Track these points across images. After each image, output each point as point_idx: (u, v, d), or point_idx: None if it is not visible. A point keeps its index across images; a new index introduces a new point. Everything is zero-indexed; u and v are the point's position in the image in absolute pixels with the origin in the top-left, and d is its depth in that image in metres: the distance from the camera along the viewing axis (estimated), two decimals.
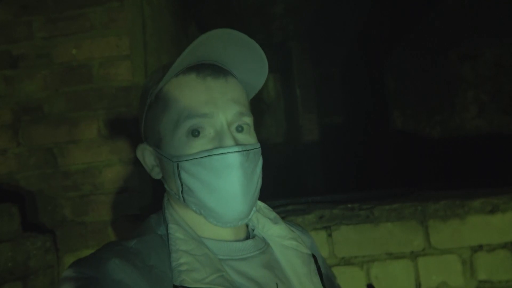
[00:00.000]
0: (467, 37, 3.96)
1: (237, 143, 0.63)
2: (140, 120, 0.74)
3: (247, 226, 0.78)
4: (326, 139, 5.04)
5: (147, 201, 1.45)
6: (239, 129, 0.66)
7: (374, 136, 4.75)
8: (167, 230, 0.67)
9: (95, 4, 1.47)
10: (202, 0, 3.53)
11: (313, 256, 0.77)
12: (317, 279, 0.73)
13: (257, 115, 5.31)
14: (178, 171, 0.64)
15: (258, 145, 0.69)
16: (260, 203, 0.80)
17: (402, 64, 4.46)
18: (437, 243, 1.38)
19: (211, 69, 0.67)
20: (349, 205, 1.42)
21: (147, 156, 0.72)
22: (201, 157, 0.62)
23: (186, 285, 0.58)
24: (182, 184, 0.65)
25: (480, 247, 1.38)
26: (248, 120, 0.68)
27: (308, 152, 4.89)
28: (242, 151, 0.63)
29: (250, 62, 0.69)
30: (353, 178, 4.83)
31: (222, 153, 0.62)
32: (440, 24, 3.84)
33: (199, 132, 0.63)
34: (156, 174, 0.72)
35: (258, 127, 5.25)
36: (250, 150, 0.65)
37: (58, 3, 1.49)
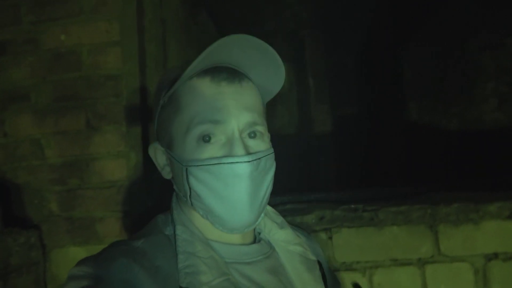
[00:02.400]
0: (488, 25, 3.77)
1: (248, 152, 0.63)
2: (153, 119, 0.74)
3: (254, 229, 0.77)
4: (338, 131, 4.92)
5: (137, 197, 1.37)
6: (252, 135, 0.66)
7: (389, 127, 4.62)
8: (174, 231, 0.67)
9: None
10: None
11: (318, 262, 0.77)
12: (321, 286, 0.73)
13: (270, 105, 5.20)
14: (187, 175, 0.64)
15: (271, 150, 0.68)
16: (268, 207, 0.79)
17: (418, 54, 4.31)
18: (448, 250, 1.27)
19: (226, 72, 0.65)
20: (352, 206, 1.32)
21: (159, 155, 0.73)
22: (209, 164, 0.62)
23: (192, 287, 0.58)
24: (190, 189, 0.65)
25: (495, 255, 1.26)
26: (261, 128, 0.67)
27: (320, 143, 4.80)
28: (252, 160, 0.62)
29: (267, 67, 0.68)
30: (365, 171, 4.71)
31: (231, 162, 0.61)
32: (460, 12, 3.66)
33: (210, 138, 0.63)
34: (167, 174, 0.72)
35: (271, 117, 5.16)
36: (262, 157, 0.65)
37: None
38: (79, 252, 1.36)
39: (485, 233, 1.27)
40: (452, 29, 3.91)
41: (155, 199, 1.42)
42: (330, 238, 1.30)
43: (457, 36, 3.99)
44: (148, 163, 1.47)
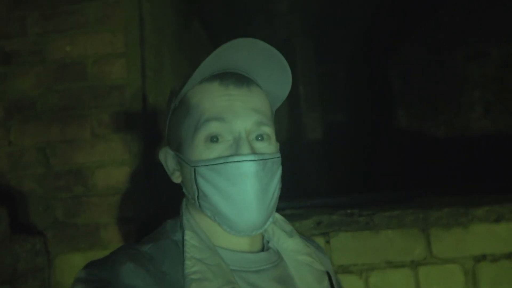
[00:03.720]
0: (474, 35, 3.88)
1: (254, 152, 0.63)
2: (165, 124, 0.75)
3: (262, 237, 0.77)
4: (329, 138, 4.98)
5: (140, 204, 1.41)
6: (259, 138, 0.66)
7: (378, 135, 4.70)
8: (183, 236, 0.67)
9: None
10: None
11: (327, 273, 0.76)
12: None
13: None
14: (195, 176, 0.65)
15: (278, 154, 0.69)
16: (277, 215, 0.80)
17: (407, 62, 4.40)
18: (439, 252, 1.34)
19: (234, 77, 0.67)
20: (349, 211, 1.37)
21: (169, 159, 0.73)
22: (216, 164, 0.62)
23: None
24: (198, 189, 0.65)
25: (484, 257, 1.33)
26: (268, 130, 0.67)
27: (311, 151, 4.84)
28: (258, 160, 0.63)
29: (273, 72, 0.69)
30: (356, 178, 4.78)
31: (237, 161, 0.62)
32: (447, 21, 3.77)
33: (217, 139, 0.64)
34: (176, 178, 0.73)
35: None
36: (268, 159, 0.65)
37: None
38: (83, 259, 1.38)
39: (474, 236, 1.34)
40: (440, 38, 4.01)
41: (157, 205, 1.46)
42: (328, 242, 1.36)
43: (444, 45, 4.09)
44: (151, 170, 1.52)
